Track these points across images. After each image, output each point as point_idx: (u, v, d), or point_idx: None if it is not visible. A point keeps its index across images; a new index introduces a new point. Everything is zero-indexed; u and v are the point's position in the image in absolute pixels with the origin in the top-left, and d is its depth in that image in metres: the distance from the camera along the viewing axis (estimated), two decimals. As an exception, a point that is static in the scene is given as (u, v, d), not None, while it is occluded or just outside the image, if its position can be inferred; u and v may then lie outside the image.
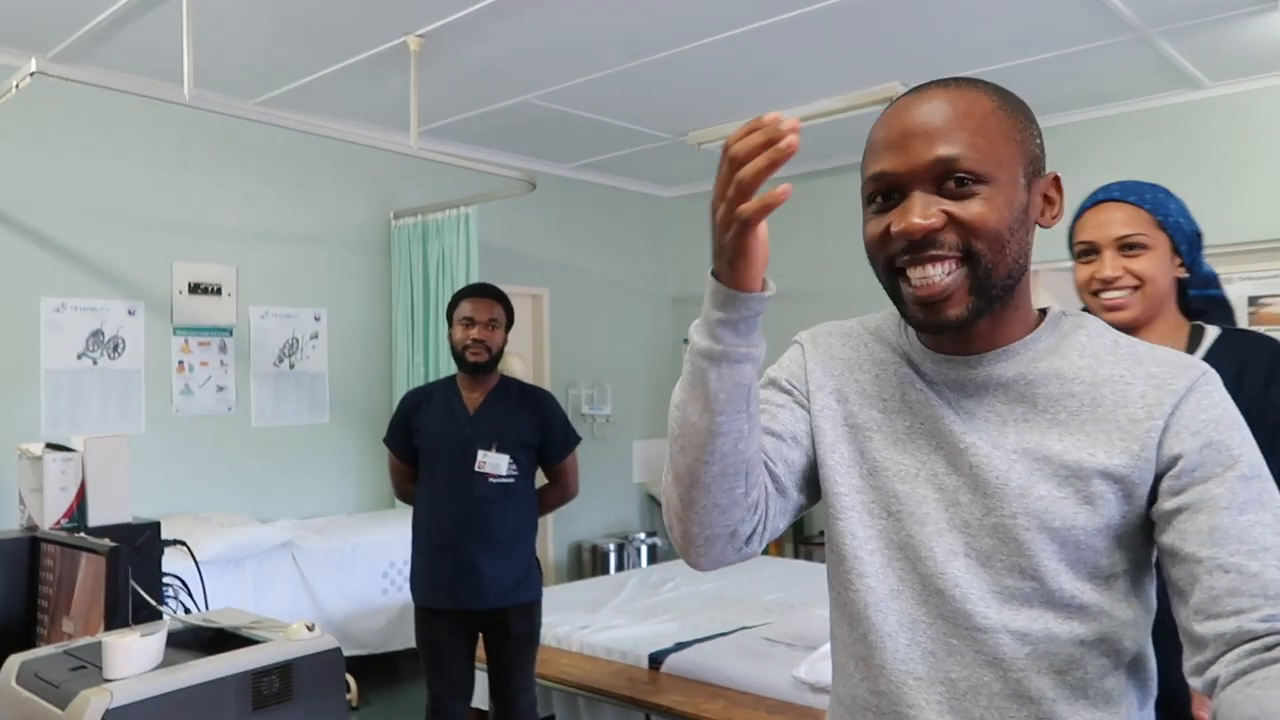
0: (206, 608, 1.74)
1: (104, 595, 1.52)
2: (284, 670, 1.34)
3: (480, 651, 2.90)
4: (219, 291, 4.73)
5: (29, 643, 1.75)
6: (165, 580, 1.91)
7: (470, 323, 2.82)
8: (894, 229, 0.92)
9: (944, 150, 0.90)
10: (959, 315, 0.92)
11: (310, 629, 1.41)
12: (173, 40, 3.84)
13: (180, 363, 4.59)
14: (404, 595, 4.50)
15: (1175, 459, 0.89)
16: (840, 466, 1.03)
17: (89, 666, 1.29)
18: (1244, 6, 3.72)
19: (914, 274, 0.93)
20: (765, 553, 5.94)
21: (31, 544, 1.79)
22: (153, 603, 1.71)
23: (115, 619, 1.49)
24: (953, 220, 0.90)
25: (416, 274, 5.21)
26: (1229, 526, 0.84)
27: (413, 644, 4.48)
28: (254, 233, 4.86)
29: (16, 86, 3.08)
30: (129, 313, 4.42)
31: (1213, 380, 0.92)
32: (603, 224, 6.62)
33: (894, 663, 0.96)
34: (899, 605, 0.96)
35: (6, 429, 4.00)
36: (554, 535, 6.13)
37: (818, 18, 3.77)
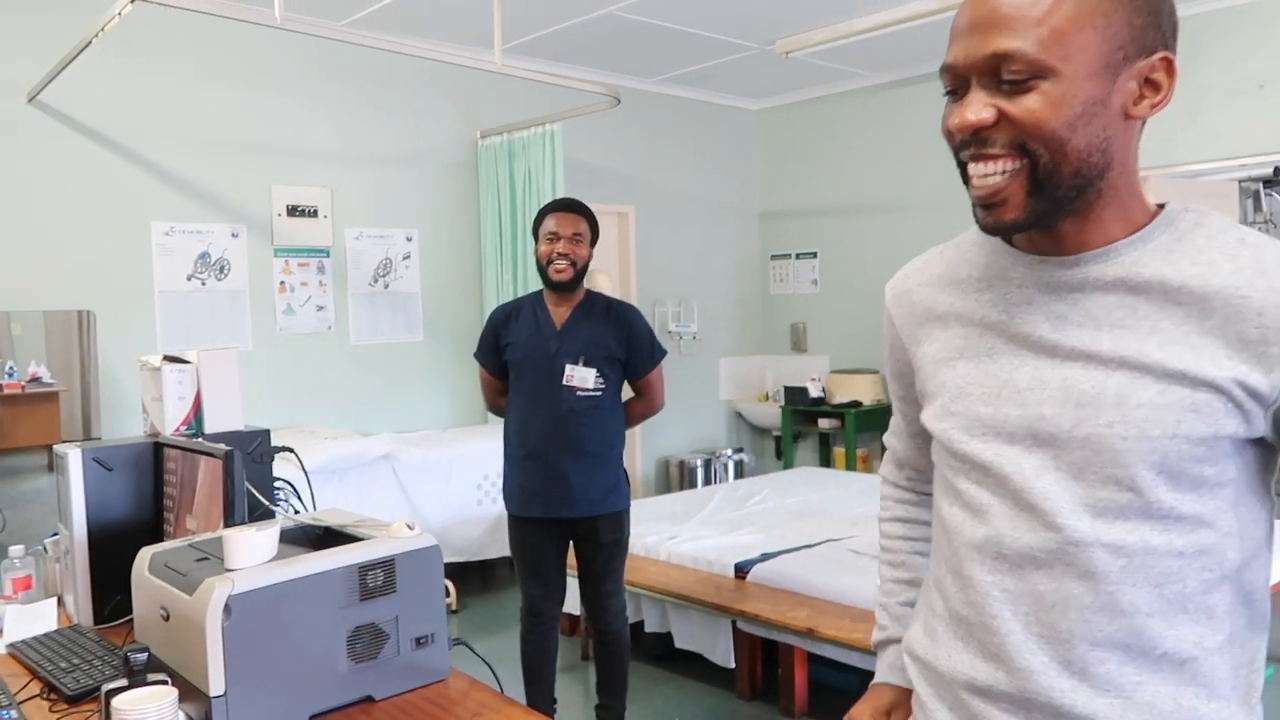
0: (315, 510, 1.84)
1: (222, 495, 1.62)
2: (387, 565, 1.42)
3: (571, 558, 3.00)
4: (315, 214, 4.87)
5: (158, 537, 1.89)
6: (276, 484, 2.03)
7: (555, 237, 2.84)
8: (949, 124, 0.90)
9: (1000, 44, 0.85)
10: (1014, 219, 0.89)
11: (411, 528, 1.49)
12: (262, -37, 3.89)
13: (282, 283, 4.77)
14: (498, 506, 4.67)
15: None
16: (933, 395, 1.04)
17: (212, 558, 1.40)
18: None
19: (973, 171, 0.90)
20: (852, 468, 5.94)
21: (155, 449, 1.92)
22: (265, 503, 1.82)
23: (233, 517, 1.60)
24: (1005, 116, 0.86)
25: (504, 192, 5.26)
26: None
27: (507, 552, 4.68)
28: (346, 155, 4.96)
29: (119, 15, 3.18)
30: (232, 235, 4.60)
31: None
32: (688, 139, 6.54)
33: (982, 573, 0.96)
34: (990, 520, 0.95)
35: (128, 345, 4.25)
36: (642, 450, 6.23)
37: (912, -88, 3.59)
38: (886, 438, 1.28)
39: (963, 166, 0.93)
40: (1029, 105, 0.85)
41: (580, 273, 2.87)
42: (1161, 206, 0.94)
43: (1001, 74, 0.86)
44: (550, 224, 2.85)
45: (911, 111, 6.06)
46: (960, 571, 0.99)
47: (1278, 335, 0.84)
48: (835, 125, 6.52)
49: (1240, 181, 5.89)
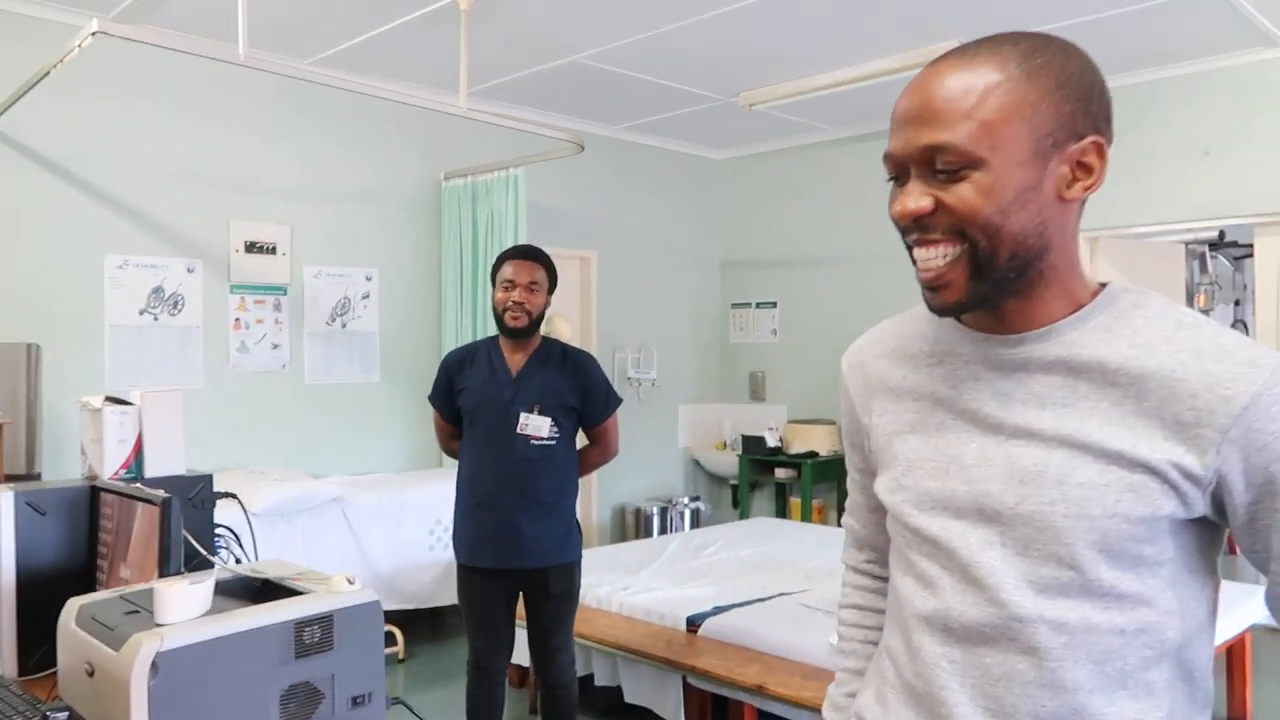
0: (256, 558, 1.80)
1: (158, 543, 1.58)
2: (325, 621, 1.38)
3: (521, 609, 2.96)
4: (274, 250, 4.82)
5: (90, 587, 1.83)
6: (217, 531, 1.98)
7: (511, 285, 2.83)
8: (893, 210, 0.94)
9: (932, 137, 0.88)
10: (958, 301, 0.92)
11: (351, 582, 1.45)
12: (229, 0, 3.89)
13: (237, 320, 4.70)
14: (450, 552, 4.59)
15: (1231, 478, 0.86)
16: (885, 467, 1.07)
17: (142, 611, 1.35)
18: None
19: (917, 255, 0.93)
20: (808, 519, 5.94)
21: (92, 493, 1.86)
22: (204, 552, 1.77)
23: (168, 567, 1.55)
24: (942, 205, 0.89)
25: (466, 235, 5.25)
26: None
27: (457, 600, 4.61)
28: (308, 193, 4.93)
29: (79, 46, 3.15)
30: (188, 270, 4.53)
31: None
32: (652, 186, 6.60)
33: (931, 644, 0.98)
34: (939, 593, 0.97)
35: (74, 382, 4.15)
36: (598, 497, 6.19)
37: (873, -23, 3.68)
38: (845, 519, 1.29)
39: (910, 249, 0.95)
40: (962, 194, 0.88)
41: (535, 321, 2.86)
42: (1104, 285, 0.97)
43: (936, 164, 0.89)
44: (507, 271, 2.85)
45: (870, 166, 6.18)
46: (910, 641, 1.01)
47: (1211, 418, 0.85)
48: (797, 177, 6.62)
49: (1187, 244, 6.06)
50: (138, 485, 1.77)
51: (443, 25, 4.22)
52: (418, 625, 4.83)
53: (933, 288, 0.93)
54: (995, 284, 0.91)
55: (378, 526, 4.38)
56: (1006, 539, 0.92)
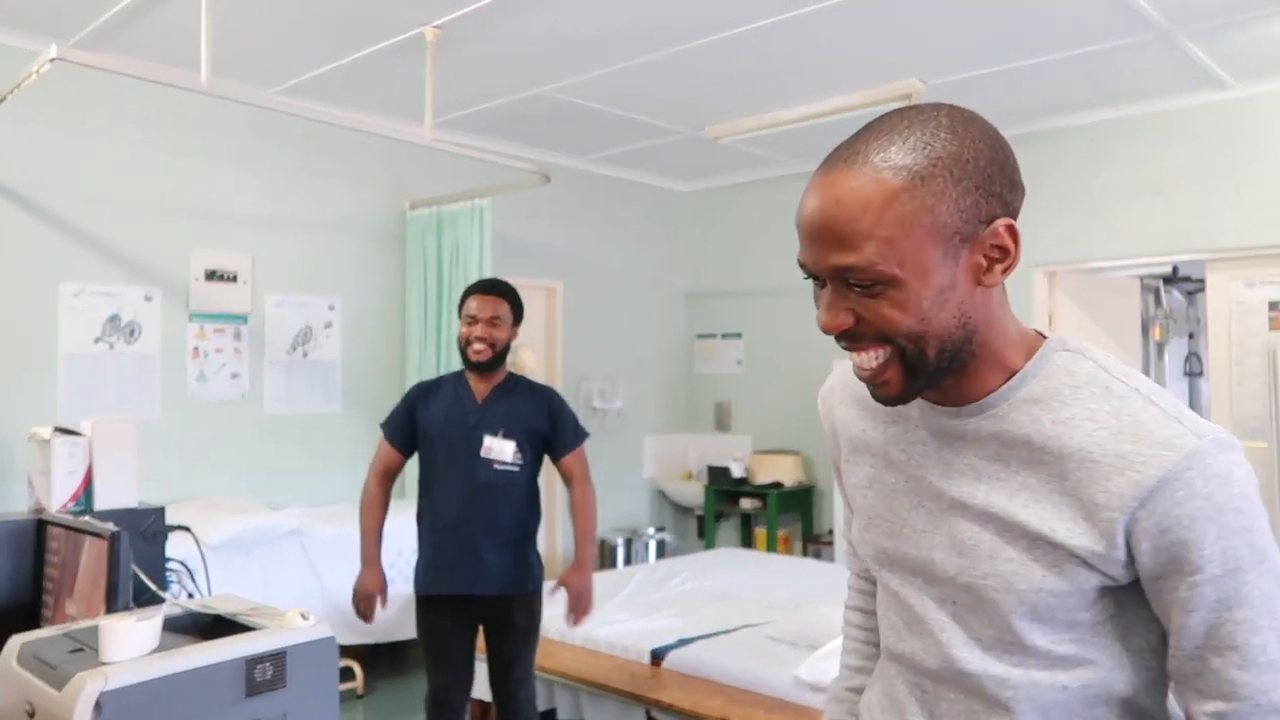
0: (210, 593, 1.75)
1: (105, 578, 1.53)
2: (278, 658, 1.35)
3: (481, 642, 2.91)
4: (235, 279, 4.76)
5: (34, 623, 1.78)
6: (170, 565, 1.93)
7: (474, 320, 2.83)
8: (818, 321, 0.93)
9: (837, 259, 0.87)
10: (899, 395, 0.93)
11: (305, 617, 1.42)
12: (192, 28, 3.87)
13: (195, 349, 4.63)
14: (411, 585, 4.53)
15: (1139, 556, 0.87)
16: (854, 511, 1.12)
17: (87, 649, 1.31)
18: (1268, 6, 3.67)
19: (851, 358, 0.94)
20: (773, 549, 5.94)
21: (38, 526, 1.81)
22: (153, 587, 1.72)
23: (116, 603, 1.51)
24: (861, 319, 0.90)
25: (430, 265, 5.23)
26: (1194, 627, 0.85)
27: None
28: (270, 221, 4.89)
29: (37, 73, 3.11)
30: (146, 298, 4.46)
31: (1199, 462, 0.83)
32: (618, 217, 6.63)
33: (899, 688, 1.05)
34: (904, 638, 1.03)
35: (24, 411, 4.05)
36: (563, 528, 6.14)
37: (835, 12, 3.75)
38: (843, 528, 1.34)
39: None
40: (879, 311, 0.88)
41: (500, 354, 2.85)
42: (1043, 336, 0.97)
43: (849, 280, 0.88)
44: (471, 306, 2.85)
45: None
46: (888, 670, 1.09)
47: (1120, 501, 0.86)
48: (761, 209, 6.68)
49: (1142, 279, 6.19)
50: (86, 518, 1.72)
51: (409, 56, 4.23)
52: (377, 660, 4.74)
53: (872, 385, 0.94)
54: (930, 376, 0.92)
55: (337, 559, 4.31)
56: (952, 601, 0.97)
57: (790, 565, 4.90)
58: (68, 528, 1.70)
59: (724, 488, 6.23)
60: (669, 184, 6.98)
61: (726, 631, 3.62)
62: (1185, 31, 3.91)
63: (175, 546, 2.07)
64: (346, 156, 5.16)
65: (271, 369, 4.88)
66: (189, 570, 2.00)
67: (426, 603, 2.85)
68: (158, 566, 1.85)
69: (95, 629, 1.39)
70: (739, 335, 6.80)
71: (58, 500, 1.90)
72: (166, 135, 4.52)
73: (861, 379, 0.94)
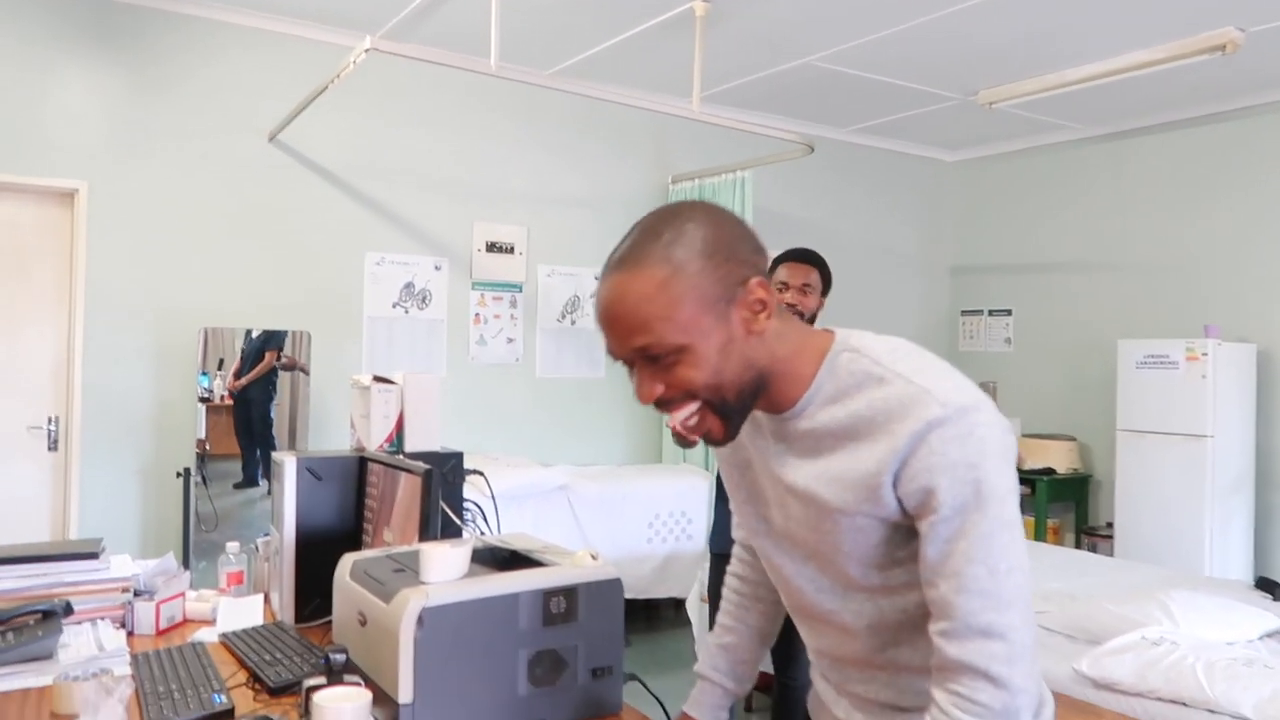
0: (499, 532, 1.90)
1: (418, 510, 1.70)
2: (571, 593, 1.44)
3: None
4: (511, 250, 5.09)
5: (356, 546, 2.01)
6: (465, 505, 2.11)
7: (785, 286, 2.83)
8: (636, 396, 1.10)
9: (638, 340, 1.04)
10: (724, 436, 1.10)
11: (594, 558, 1.51)
12: (479, 19, 4.16)
13: (476, 315, 5.00)
14: (668, 545, 4.68)
15: (905, 501, 1.05)
16: (731, 499, 1.33)
17: (408, 570, 1.46)
18: None
19: (671, 416, 1.09)
20: (1042, 538, 5.58)
21: (360, 462, 2.04)
22: (457, 521, 1.89)
23: (428, 532, 1.68)
24: (670, 385, 1.07)
25: (691, 237, 5.32)
26: (931, 557, 1.04)
27: (674, 593, 4.67)
28: (543, 196, 5.18)
29: (354, 63, 3.46)
30: (435, 268, 4.88)
31: (939, 426, 1.01)
32: (879, 189, 6.43)
33: (799, 625, 1.29)
34: (782, 586, 1.25)
35: (339, 365, 4.57)
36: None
37: (1138, -42, 3.41)
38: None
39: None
40: (680, 375, 1.06)
41: (808, 323, 2.85)
42: (832, 336, 1.15)
43: (650, 354, 1.05)
44: (782, 273, 2.85)
45: (1126, 167, 5.73)
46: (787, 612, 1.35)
47: (887, 465, 1.04)
48: (1037, 178, 6.24)
49: None
50: (401, 457, 1.92)
51: (677, 32, 4.31)
52: (634, 615, 4.94)
53: (700, 436, 1.11)
54: (741, 413, 1.10)
55: (600, 516, 4.53)
56: (804, 558, 1.19)
57: (1063, 556, 4.58)
58: (386, 464, 1.90)
59: (986, 472, 5.91)
60: (935, 154, 6.67)
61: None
62: None
63: (467, 490, 2.25)
64: (613, 133, 5.35)
65: (543, 335, 5.19)
66: (481, 510, 2.18)
67: (721, 561, 2.91)
68: (456, 504, 2.03)
69: (414, 553, 1.55)
70: (1008, 312, 6.41)
71: (376, 440, 2.13)
72: (454, 118, 4.90)
73: (689, 433, 1.10)
